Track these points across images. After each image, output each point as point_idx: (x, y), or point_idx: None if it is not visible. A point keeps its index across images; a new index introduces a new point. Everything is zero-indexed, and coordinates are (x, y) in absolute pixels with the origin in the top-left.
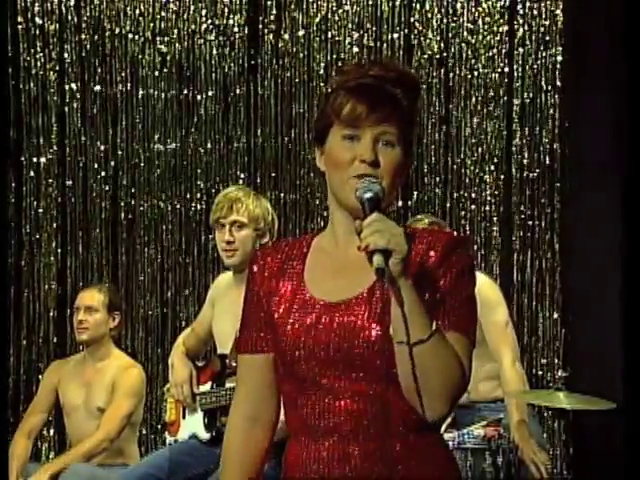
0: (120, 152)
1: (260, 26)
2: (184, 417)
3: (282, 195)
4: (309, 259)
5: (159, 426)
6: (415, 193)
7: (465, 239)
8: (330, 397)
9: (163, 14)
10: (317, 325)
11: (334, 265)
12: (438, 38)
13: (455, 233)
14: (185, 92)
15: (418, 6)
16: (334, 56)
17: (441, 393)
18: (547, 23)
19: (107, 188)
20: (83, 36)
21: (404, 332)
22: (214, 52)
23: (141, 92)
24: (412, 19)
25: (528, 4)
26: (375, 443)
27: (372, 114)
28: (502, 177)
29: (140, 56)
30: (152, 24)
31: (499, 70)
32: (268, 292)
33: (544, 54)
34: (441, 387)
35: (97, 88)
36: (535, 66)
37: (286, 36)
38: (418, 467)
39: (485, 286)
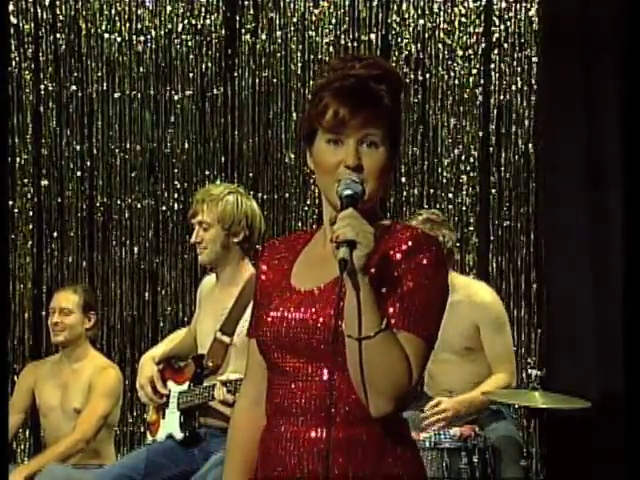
0: (96, 152)
1: (237, 26)
2: (164, 417)
3: (260, 195)
4: (304, 251)
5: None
6: (392, 193)
7: (433, 239)
8: (290, 381)
9: (139, 13)
10: (285, 312)
11: (317, 257)
12: (415, 39)
13: (422, 231)
14: (162, 92)
15: (395, 7)
16: (311, 56)
17: (384, 391)
18: (523, 24)
19: (83, 188)
20: (58, 35)
21: (353, 326)
22: (191, 52)
23: (117, 92)
24: (389, 20)
25: (504, 5)
26: (322, 428)
27: (354, 119)
28: (478, 177)
29: (116, 56)
30: (128, 24)
31: (475, 70)
32: (266, 281)
33: (520, 55)
34: (384, 385)
35: (73, 88)
36: (511, 67)
37: (263, 36)
38: (362, 458)
39: (496, 302)
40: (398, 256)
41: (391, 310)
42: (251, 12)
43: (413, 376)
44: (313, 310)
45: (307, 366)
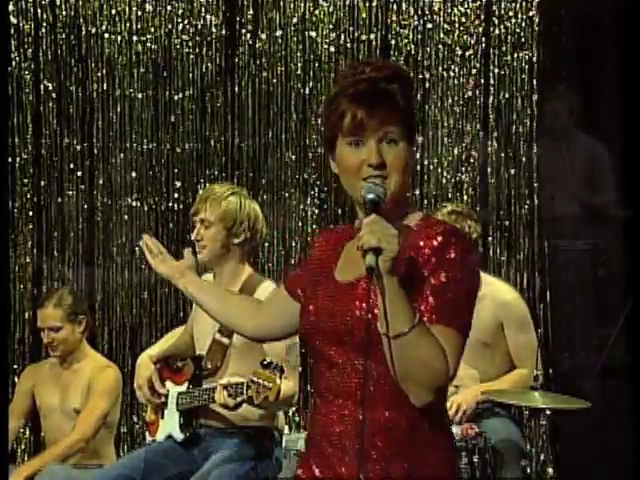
0: (96, 152)
1: (237, 26)
2: (162, 417)
3: (260, 195)
4: (347, 245)
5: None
6: None
7: (463, 232)
8: (331, 368)
9: (139, 13)
10: (326, 302)
11: (357, 251)
12: (414, 39)
13: (452, 226)
14: (162, 92)
15: (394, 7)
16: (311, 56)
17: (423, 383)
18: (522, 24)
19: (83, 188)
20: (58, 35)
21: (385, 324)
22: (191, 52)
23: (117, 92)
24: (389, 20)
25: (503, 5)
26: (358, 413)
27: (372, 119)
28: (478, 177)
29: (116, 56)
30: (128, 24)
31: (475, 70)
32: (315, 265)
33: (519, 54)
34: (422, 377)
35: (73, 88)
36: (511, 66)
37: (263, 36)
38: (400, 442)
39: (519, 301)
40: (429, 251)
41: (424, 304)
42: (251, 12)
43: (450, 367)
44: (352, 302)
45: (346, 354)
